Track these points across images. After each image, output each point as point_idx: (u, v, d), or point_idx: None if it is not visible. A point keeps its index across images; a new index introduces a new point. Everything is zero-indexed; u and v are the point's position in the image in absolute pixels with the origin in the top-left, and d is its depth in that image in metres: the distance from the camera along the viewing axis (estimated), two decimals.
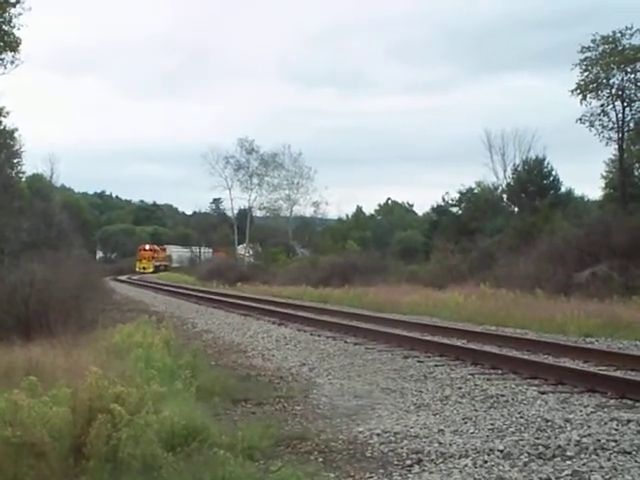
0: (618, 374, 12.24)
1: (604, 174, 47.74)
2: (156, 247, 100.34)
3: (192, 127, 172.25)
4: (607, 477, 6.81)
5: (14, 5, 30.04)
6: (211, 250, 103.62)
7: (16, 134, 41.25)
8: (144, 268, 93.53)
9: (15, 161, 44.11)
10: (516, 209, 51.29)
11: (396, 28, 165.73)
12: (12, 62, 31.04)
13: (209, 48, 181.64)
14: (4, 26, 30.38)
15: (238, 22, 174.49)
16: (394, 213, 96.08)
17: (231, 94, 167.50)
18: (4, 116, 36.43)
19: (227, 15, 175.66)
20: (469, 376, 12.72)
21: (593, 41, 37.85)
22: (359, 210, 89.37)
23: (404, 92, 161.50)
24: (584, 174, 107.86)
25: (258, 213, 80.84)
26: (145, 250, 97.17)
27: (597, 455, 7.54)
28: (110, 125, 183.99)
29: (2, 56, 30.84)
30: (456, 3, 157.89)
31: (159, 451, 6.69)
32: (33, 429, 6.51)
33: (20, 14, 30.31)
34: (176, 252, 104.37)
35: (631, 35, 37.48)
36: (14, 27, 30.52)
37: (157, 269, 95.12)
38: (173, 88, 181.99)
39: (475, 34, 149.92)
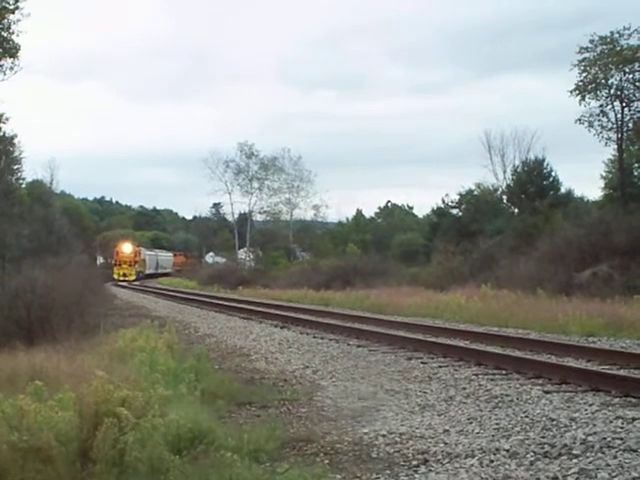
0: (622, 373, 12.23)
1: (604, 174, 47.85)
2: (137, 249, 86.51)
3: (192, 131, 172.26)
4: (614, 475, 6.79)
5: (13, 11, 30.10)
6: (171, 254, 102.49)
7: (16, 140, 41.47)
8: (124, 275, 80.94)
9: (15, 167, 44.26)
10: (516, 210, 51.28)
11: (396, 31, 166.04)
12: (11, 68, 31.16)
13: (209, 52, 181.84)
14: (3, 32, 30.45)
15: (238, 26, 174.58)
16: (394, 216, 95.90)
17: (231, 98, 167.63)
18: (4, 122, 36.56)
19: (227, 19, 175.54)
20: (473, 376, 12.72)
21: (591, 42, 37.89)
22: (359, 213, 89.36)
23: (403, 94, 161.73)
24: (583, 175, 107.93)
25: (258, 217, 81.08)
26: (123, 252, 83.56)
27: (603, 453, 7.53)
28: (109, 130, 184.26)
29: (1, 62, 30.91)
30: (456, 5, 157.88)
31: (166, 454, 6.70)
32: (40, 434, 6.53)
33: (19, 20, 30.45)
34: (148, 256, 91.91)
35: (629, 35, 37.52)
36: (13, 33, 30.62)
37: (138, 276, 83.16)
38: (172, 93, 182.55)
39: (474, 36, 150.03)
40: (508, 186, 53.53)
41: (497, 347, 16.19)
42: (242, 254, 78.96)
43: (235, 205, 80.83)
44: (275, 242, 76.03)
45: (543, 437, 8.28)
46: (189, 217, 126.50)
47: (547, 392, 11.07)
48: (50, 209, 58.18)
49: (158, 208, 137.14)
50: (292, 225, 77.04)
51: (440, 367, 13.95)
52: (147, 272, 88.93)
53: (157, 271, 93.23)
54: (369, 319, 24.27)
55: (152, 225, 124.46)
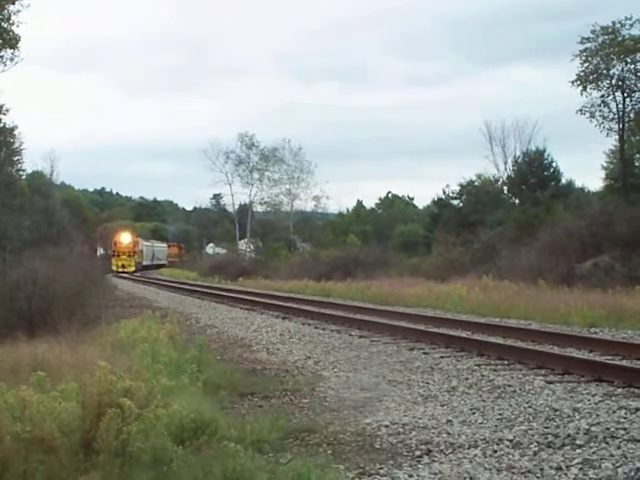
0: (624, 363, 12.23)
1: (605, 165, 47.87)
2: (136, 239, 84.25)
3: (192, 123, 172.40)
4: (618, 465, 6.79)
5: (13, 2, 30.02)
6: (165, 245, 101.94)
7: (16, 132, 41.39)
8: (123, 266, 78.62)
9: (15, 159, 44.18)
10: (517, 201, 51.28)
11: (396, 22, 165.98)
12: (11, 59, 31.14)
13: (209, 44, 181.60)
14: (3, 23, 30.38)
15: (238, 18, 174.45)
16: (395, 207, 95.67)
17: (231, 89, 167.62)
18: (4, 114, 36.51)
19: (227, 11, 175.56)
20: (475, 367, 12.71)
21: (593, 32, 37.85)
22: (360, 204, 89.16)
23: (405, 85, 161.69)
24: (584, 165, 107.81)
25: (259, 208, 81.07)
26: (121, 243, 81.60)
27: (607, 443, 7.53)
28: (110, 122, 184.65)
29: (1, 53, 30.84)
30: None
31: (169, 445, 6.66)
32: (42, 424, 6.49)
33: (19, 11, 30.40)
34: (145, 247, 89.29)
35: (631, 25, 37.52)
36: (13, 24, 30.56)
37: (137, 267, 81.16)
38: (173, 84, 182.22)
39: (475, 26, 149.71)
40: (509, 177, 53.55)
41: (499, 338, 16.19)
42: (243, 245, 78.98)
43: (235, 196, 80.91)
44: (276, 233, 76.05)
45: (546, 427, 8.28)
46: (189, 208, 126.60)
47: (550, 382, 11.07)
48: (50, 200, 58.18)
49: (158, 199, 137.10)
50: (292, 216, 76.97)
51: (442, 358, 13.94)
52: (144, 263, 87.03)
53: (153, 262, 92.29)
54: (370, 310, 24.25)
55: (152, 216, 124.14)
